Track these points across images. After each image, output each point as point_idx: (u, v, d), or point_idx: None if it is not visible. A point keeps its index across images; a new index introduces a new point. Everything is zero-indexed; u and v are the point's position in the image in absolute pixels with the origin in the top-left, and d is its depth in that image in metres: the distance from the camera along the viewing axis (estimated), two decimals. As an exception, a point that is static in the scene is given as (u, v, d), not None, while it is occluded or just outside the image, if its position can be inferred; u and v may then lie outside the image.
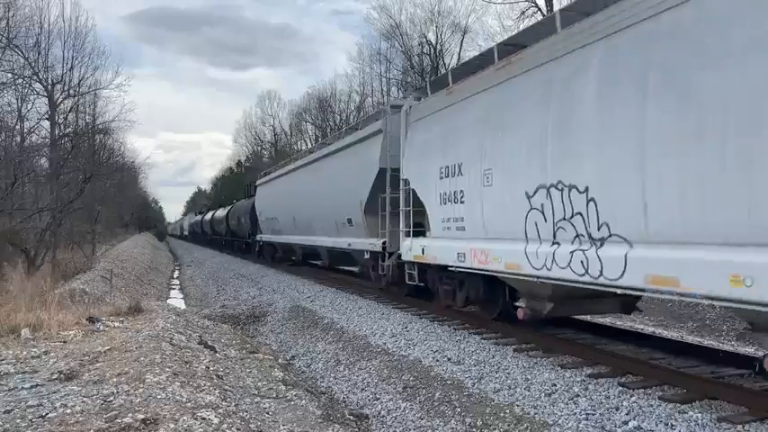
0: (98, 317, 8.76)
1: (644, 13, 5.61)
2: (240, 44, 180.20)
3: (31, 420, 4.41)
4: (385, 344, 8.69)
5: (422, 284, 10.56)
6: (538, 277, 7.00)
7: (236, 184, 45.66)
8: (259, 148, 72.36)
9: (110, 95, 41.57)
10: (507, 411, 5.61)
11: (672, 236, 5.25)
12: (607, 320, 10.56)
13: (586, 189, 6.21)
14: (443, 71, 32.07)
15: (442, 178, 9.14)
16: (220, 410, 4.99)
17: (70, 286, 14.55)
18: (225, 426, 4.59)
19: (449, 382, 6.66)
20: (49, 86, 22.26)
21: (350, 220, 13.57)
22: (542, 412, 5.48)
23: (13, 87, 20.61)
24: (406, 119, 10.65)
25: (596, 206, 6.10)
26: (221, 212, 38.30)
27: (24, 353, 6.67)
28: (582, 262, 6.24)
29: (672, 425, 4.87)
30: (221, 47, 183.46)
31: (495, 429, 5.42)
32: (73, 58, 23.13)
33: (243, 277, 21.40)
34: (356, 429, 6.18)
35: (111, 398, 4.92)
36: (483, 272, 8.23)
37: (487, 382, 6.49)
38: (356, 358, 8.59)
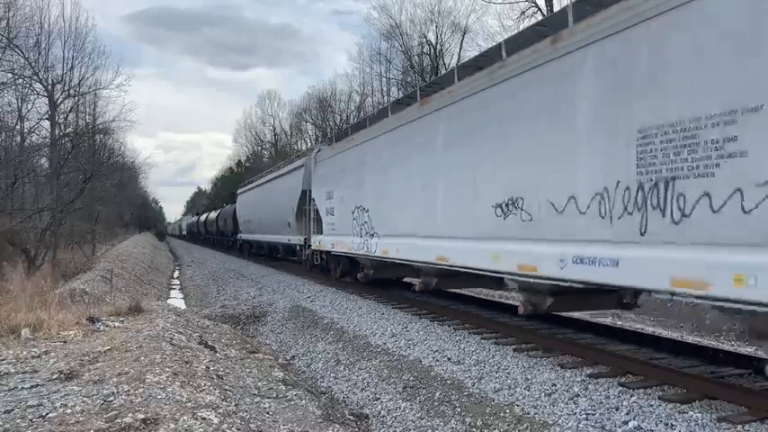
0: (98, 317, 8.76)
1: (381, 131, 11.73)
2: (240, 44, 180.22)
3: (31, 420, 4.41)
4: (385, 344, 8.70)
5: (325, 264, 16.41)
6: (356, 254, 13.07)
7: (237, 184, 47.55)
8: (259, 148, 72.41)
9: (110, 95, 41.59)
10: (507, 411, 5.61)
11: (388, 232, 11.21)
12: (607, 320, 10.56)
13: (368, 210, 12.27)
14: (443, 71, 32.47)
15: (326, 199, 15.20)
16: (220, 410, 4.99)
17: (70, 286, 14.56)
18: (225, 426, 4.59)
19: (449, 381, 6.66)
20: (50, 86, 22.25)
21: (289, 224, 19.23)
22: (542, 412, 5.48)
23: (14, 87, 20.62)
24: (315, 159, 16.55)
25: (371, 219, 12.10)
26: (213, 215, 44.47)
27: (24, 353, 6.67)
28: (368, 246, 12.11)
29: (672, 425, 4.88)
30: (221, 47, 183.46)
31: (495, 429, 5.42)
32: (73, 58, 23.13)
33: (243, 277, 21.40)
34: (356, 429, 6.18)
35: (112, 398, 4.92)
36: (342, 254, 14.26)
37: (487, 381, 6.49)
38: (356, 358, 8.59)
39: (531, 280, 6.96)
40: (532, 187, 6.91)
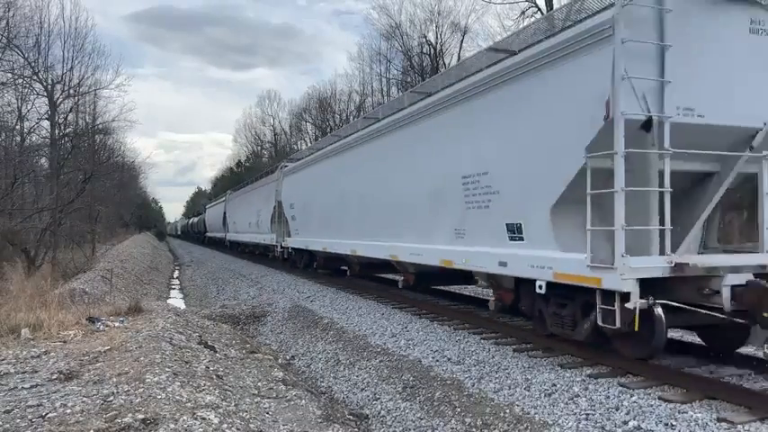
0: (98, 317, 8.76)
1: (238, 194, 33.21)
2: (241, 44, 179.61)
3: (31, 420, 4.41)
4: (385, 344, 8.70)
5: (230, 245, 35.88)
6: (235, 240, 32.87)
7: (236, 184, 50.96)
8: (259, 147, 72.42)
9: (110, 95, 41.75)
10: (507, 411, 5.61)
11: (237, 231, 31.55)
12: (607, 320, 10.56)
13: (235, 222, 32.24)
14: (443, 71, 32.54)
15: (229, 216, 34.94)
16: (220, 410, 4.99)
17: (70, 286, 14.55)
18: (225, 426, 4.60)
19: (449, 381, 6.66)
20: (49, 86, 22.29)
21: (220, 228, 38.59)
22: (542, 412, 5.48)
23: (13, 87, 20.64)
24: (228, 198, 36.22)
25: (236, 224, 31.72)
26: (195, 219, 65.09)
27: (24, 353, 6.67)
28: (237, 237, 31.29)
29: (672, 425, 4.87)
30: (223, 47, 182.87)
31: (495, 429, 5.42)
32: (73, 58, 23.21)
33: (243, 277, 21.41)
34: (356, 429, 6.18)
35: (111, 398, 4.92)
36: (233, 240, 33.44)
37: (487, 381, 6.49)
38: (356, 358, 8.59)
39: (261, 243, 24.06)
40: (258, 216, 24.02)
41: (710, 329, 6.56)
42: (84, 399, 4.90)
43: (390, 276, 14.31)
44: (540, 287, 6.64)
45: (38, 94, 22.34)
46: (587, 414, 5.29)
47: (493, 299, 8.27)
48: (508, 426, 5.38)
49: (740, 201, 7.05)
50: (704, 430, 4.74)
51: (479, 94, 7.67)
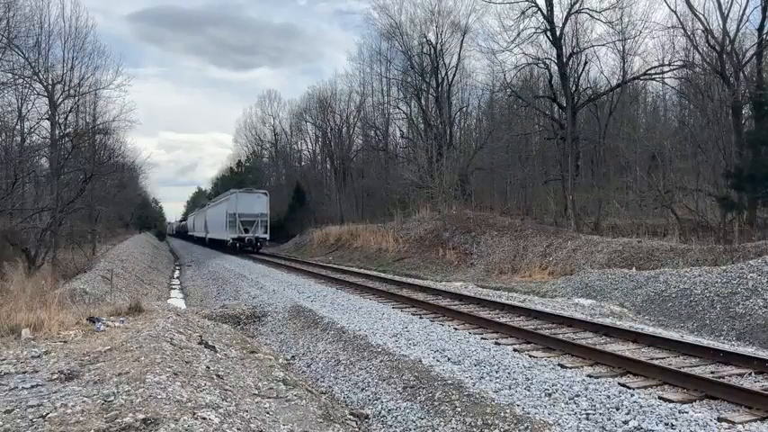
0: (98, 317, 8.75)
1: (197, 212, 67.30)
2: (243, 44, 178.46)
3: (31, 420, 4.41)
4: (385, 343, 8.70)
5: (197, 240, 60.55)
6: (194, 235, 64.11)
7: (236, 184, 56.19)
8: (259, 147, 72.46)
9: (110, 95, 41.83)
10: (507, 411, 5.61)
11: (197, 230, 60.39)
12: (607, 320, 10.57)
13: (195, 226, 65.06)
14: (443, 71, 32.72)
15: (195, 222, 64.25)
16: (221, 410, 4.99)
17: (71, 286, 14.56)
18: (225, 426, 4.60)
19: (449, 381, 6.66)
20: (50, 86, 22.26)
21: (192, 229, 67.45)
22: (542, 412, 5.49)
23: (14, 87, 20.61)
24: (196, 212, 68.27)
25: (195, 227, 66.40)
26: (183, 222, 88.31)
27: (25, 353, 6.67)
28: (196, 234, 61.65)
29: (672, 425, 4.88)
30: (224, 47, 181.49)
31: (495, 429, 5.42)
32: (73, 57, 23.16)
33: (243, 277, 21.41)
34: (356, 429, 6.18)
35: (112, 398, 4.92)
36: (196, 236, 60.82)
37: (488, 381, 6.49)
38: (356, 358, 8.59)
39: (202, 236, 52.19)
40: (202, 224, 53.89)
41: (248, 248, 35.49)
42: (85, 399, 4.90)
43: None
44: (228, 241, 36.18)
45: (38, 94, 22.32)
46: (587, 414, 5.30)
47: (228, 245, 36.44)
48: (508, 426, 5.39)
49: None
50: (704, 430, 4.75)
51: (221, 202, 41.61)
